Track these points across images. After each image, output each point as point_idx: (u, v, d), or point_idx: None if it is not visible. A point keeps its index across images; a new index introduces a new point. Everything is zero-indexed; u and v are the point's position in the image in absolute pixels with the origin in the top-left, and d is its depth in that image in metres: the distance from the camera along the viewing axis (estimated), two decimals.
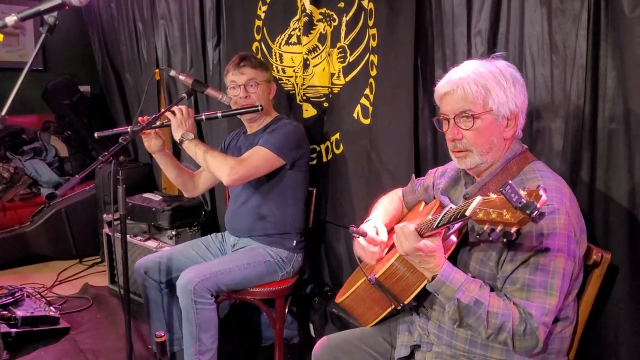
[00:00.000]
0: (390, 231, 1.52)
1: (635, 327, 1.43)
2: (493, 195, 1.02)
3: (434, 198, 1.54)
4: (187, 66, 3.06)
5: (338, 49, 2.23)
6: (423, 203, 1.59)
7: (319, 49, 2.32)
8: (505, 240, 1.00)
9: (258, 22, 2.57)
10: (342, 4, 2.18)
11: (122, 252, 1.77)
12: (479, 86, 1.24)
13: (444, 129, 1.32)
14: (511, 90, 1.25)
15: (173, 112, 1.97)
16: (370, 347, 1.48)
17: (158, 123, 1.99)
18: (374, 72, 2.09)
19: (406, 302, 1.33)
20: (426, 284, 1.24)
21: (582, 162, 1.49)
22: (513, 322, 1.15)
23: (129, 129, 1.90)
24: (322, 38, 2.30)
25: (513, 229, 0.98)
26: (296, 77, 2.45)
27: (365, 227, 1.49)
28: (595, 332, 1.50)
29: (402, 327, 1.48)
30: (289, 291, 2.16)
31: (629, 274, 1.42)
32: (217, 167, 1.96)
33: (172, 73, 2.10)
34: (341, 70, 2.24)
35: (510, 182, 0.96)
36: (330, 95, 2.32)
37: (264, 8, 2.53)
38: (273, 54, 2.53)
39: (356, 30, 2.15)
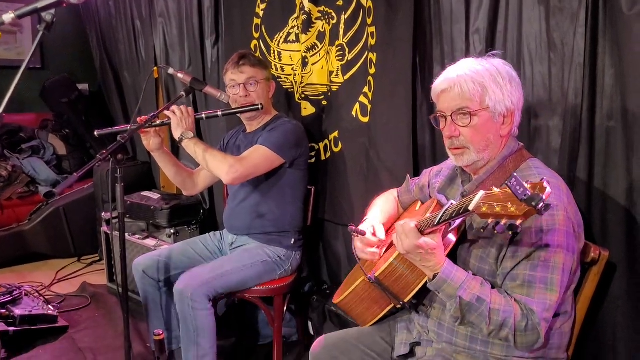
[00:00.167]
0: (388, 230, 1.53)
1: (633, 324, 1.44)
2: (496, 189, 1.02)
3: (430, 197, 1.54)
4: (186, 64, 3.06)
5: (337, 47, 2.23)
6: (419, 203, 1.59)
7: (318, 47, 2.32)
8: (510, 233, 1.00)
9: (257, 20, 2.57)
10: (340, 2, 2.18)
11: (120, 250, 1.76)
12: (476, 84, 1.25)
13: (441, 127, 1.33)
14: (507, 88, 1.26)
15: (173, 111, 1.96)
16: (369, 347, 1.48)
17: (158, 121, 1.99)
18: (372, 70, 2.09)
19: (406, 300, 1.33)
20: (427, 283, 1.25)
21: (580, 160, 1.49)
22: (515, 318, 1.16)
23: (129, 127, 1.90)
24: (320, 36, 2.30)
25: (518, 222, 0.98)
26: (295, 75, 2.45)
27: (363, 227, 1.49)
28: (593, 330, 1.50)
29: (400, 326, 1.48)
30: (288, 289, 2.16)
31: (627, 272, 1.43)
32: (217, 166, 1.96)
33: (171, 71, 2.10)
34: (340, 68, 2.24)
35: (515, 174, 0.97)
36: (329, 94, 2.32)
37: (263, 6, 2.53)
38: (272, 52, 2.53)
39: (355, 28, 2.15)
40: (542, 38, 1.55)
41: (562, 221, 1.17)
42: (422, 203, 1.58)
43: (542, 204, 0.94)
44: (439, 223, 1.16)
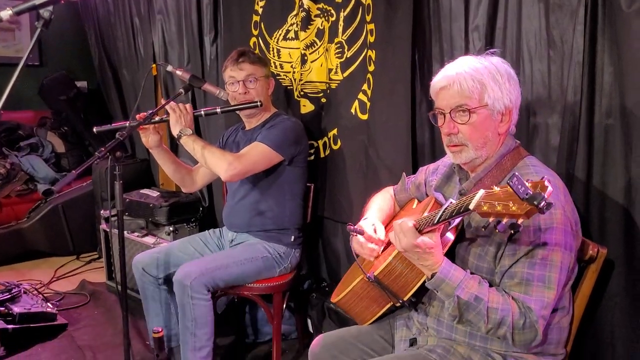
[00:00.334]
0: (386, 228, 1.53)
1: (631, 321, 1.44)
2: (496, 188, 1.02)
3: (427, 195, 1.54)
4: (185, 62, 3.05)
5: (336, 44, 2.23)
6: (416, 201, 1.59)
7: (317, 45, 2.32)
8: (512, 231, 1.01)
9: (255, 18, 2.57)
10: None
11: (119, 248, 1.76)
12: (475, 81, 1.25)
13: (439, 124, 1.33)
14: (506, 86, 1.27)
15: (173, 109, 1.96)
16: (367, 345, 1.48)
17: (157, 118, 1.98)
18: (371, 68, 2.08)
19: (405, 298, 1.33)
20: (425, 282, 1.25)
21: (579, 158, 1.49)
22: (513, 316, 1.16)
23: (127, 124, 1.89)
24: (319, 33, 2.29)
25: (520, 220, 0.98)
26: (294, 72, 2.44)
27: (363, 224, 1.49)
28: (591, 327, 1.50)
29: (399, 323, 1.49)
30: (287, 287, 2.16)
31: (625, 269, 1.43)
32: (215, 163, 1.96)
33: (169, 68, 2.09)
34: (339, 65, 2.24)
35: (516, 173, 0.97)
36: (328, 91, 2.31)
37: (262, 3, 2.52)
38: (271, 49, 2.52)
39: (354, 25, 2.14)
40: (541, 35, 1.55)
41: (559, 219, 1.17)
42: (419, 201, 1.58)
43: (543, 202, 0.94)
44: (438, 222, 1.16)
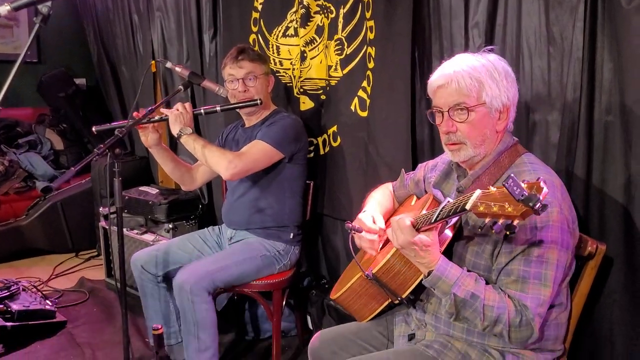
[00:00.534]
0: (386, 223, 1.53)
1: (630, 318, 1.44)
2: (493, 189, 1.03)
3: (426, 192, 1.54)
4: (184, 59, 3.05)
5: (335, 41, 2.23)
6: (415, 197, 1.59)
7: (316, 41, 2.31)
8: (508, 232, 1.01)
9: (255, 14, 2.56)
10: None
11: (118, 245, 1.76)
12: (473, 79, 1.25)
13: (438, 122, 1.33)
14: (503, 83, 1.27)
15: (176, 108, 1.96)
16: (366, 341, 1.49)
17: (156, 117, 1.98)
18: (371, 65, 2.08)
19: (404, 296, 1.33)
20: (422, 279, 1.25)
21: (578, 155, 1.49)
22: (509, 314, 1.17)
23: (127, 122, 1.89)
24: (319, 30, 2.29)
25: (515, 222, 0.99)
26: (293, 69, 2.44)
27: (362, 216, 1.49)
28: (590, 324, 1.51)
29: (398, 319, 1.49)
30: (287, 284, 2.16)
31: (624, 266, 1.43)
32: (216, 162, 1.96)
33: (169, 65, 2.09)
34: (338, 62, 2.23)
35: (512, 175, 0.98)
36: (328, 88, 2.31)
37: (261, 0, 2.52)
38: (270, 46, 2.52)
39: (353, 22, 2.14)
40: (541, 32, 1.54)
41: (556, 218, 1.18)
42: (418, 197, 1.58)
43: (539, 204, 0.94)
44: (435, 221, 1.16)
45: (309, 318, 2.39)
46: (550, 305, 1.23)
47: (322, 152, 2.39)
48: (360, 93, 2.16)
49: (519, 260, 1.19)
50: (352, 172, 2.25)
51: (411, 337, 1.42)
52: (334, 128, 2.31)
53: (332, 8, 2.22)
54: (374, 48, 2.05)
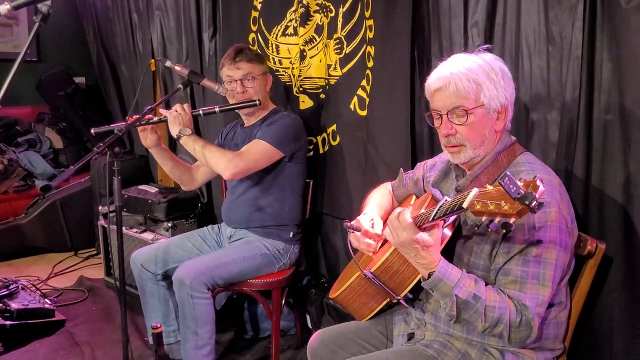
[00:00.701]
0: (384, 223, 1.53)
1: (629, 317, 1.44)
2: (490, 187, 1.03)
3: (425, 191, 1.54)
4: (183, 57, 3.04)
5: (335, 40, 2.23)
6: (414, 196, 1.59)
7: (316, 40, 2.31)
8: (504, 231, 1.00)
9: (254, 13, 2.56)
10: None
11: (117, 244, 1.76)
12: (470, 81, 1.25)
13: (436, 125, 1.33)
14: (501, 83, 1.26)
15: (176, 110, 1.96)
16: (366, 341, 1.49)
17: (155, 119, 1.98)
18: (370, 64, 2.08)
19: (402, 295, 1.33)
20: (421, 281, 1.24)
21: (577, 154, 1.49)
22: (510, 314, 1.16)
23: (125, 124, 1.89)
24: (318, 29, 2.29)
25: (512, 220, 0.99)
26: (293, 68, 2.44)
27: (361, 219, 1.49)
28: (589, 323, 1.51)
29: (397, 318, 1.49)
30: (286, 283, 2.16)
31: (623, 265, 1.43)
32: (216, 162, 1.96)
33: (168, 64, 2.09)
34: (338, 61, 2.23)
35: (508, 173, 0.97)
36: (327, 87, 2.31)
37: None
38: (270, 45, 2.52)
39: (353, 21, 2.14)
40: (540, 31, 1.54)
41: (554, 217, 1.17)
42: (417, 197, 1.58)
43: (535, 202, 0.94)
44: (433, 219, 1.16)
45: (308, 317, 2.39)
46: (549, 304, 1.23)
47: (321, 151, 2.39)
48: (360, 92, 2.16)
49: (517, 260, 1.19)
50: (352, 171, 2.25)
51: (410, 336, 1.42)
52: (334, 127, 2.31)
53: (331, 7, 2.22)
54: (373, 47, 2.05)
